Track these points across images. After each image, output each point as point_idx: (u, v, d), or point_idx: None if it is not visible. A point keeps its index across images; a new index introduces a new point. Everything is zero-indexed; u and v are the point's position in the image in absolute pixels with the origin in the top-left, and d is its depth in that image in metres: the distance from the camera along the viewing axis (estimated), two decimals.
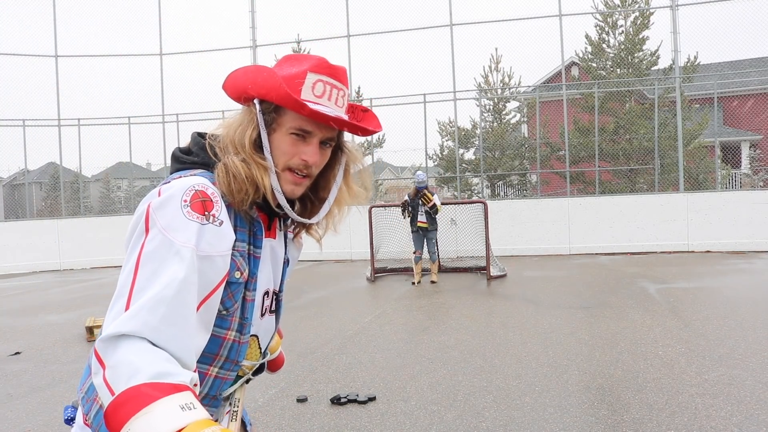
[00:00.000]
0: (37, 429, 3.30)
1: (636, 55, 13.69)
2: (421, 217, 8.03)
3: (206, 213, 0.95)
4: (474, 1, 16.88)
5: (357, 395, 3.50)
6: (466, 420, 3.12)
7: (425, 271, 8.79)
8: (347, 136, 1.19)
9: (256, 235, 1.07)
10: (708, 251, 10.54)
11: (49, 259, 12.48)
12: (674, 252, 10.69)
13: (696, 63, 13.55)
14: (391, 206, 9.87)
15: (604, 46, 13.95)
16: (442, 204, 8.84)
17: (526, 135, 15.76)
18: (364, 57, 16.84)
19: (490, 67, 15.51)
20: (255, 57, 13.69)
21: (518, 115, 15.96)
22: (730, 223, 10.53)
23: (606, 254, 10.90)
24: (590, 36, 13.96)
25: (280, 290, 1.20)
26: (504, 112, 15.58)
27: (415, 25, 13.13)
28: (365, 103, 12.86)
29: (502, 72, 15.51)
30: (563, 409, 3.20)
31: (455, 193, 14.68)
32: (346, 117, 1.08)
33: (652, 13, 13.39)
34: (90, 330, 5.46)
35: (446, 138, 15.96)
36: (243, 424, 1.29)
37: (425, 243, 8.23)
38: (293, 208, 1.10)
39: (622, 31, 13.78)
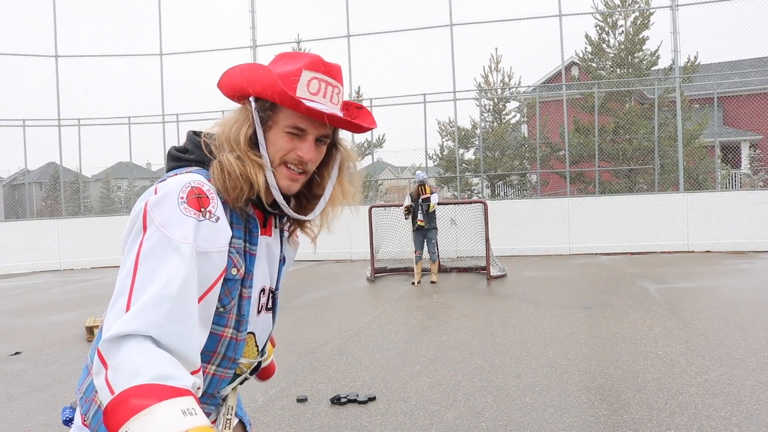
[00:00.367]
0: (37, 429, 3.30)
1: (636, 55, 13.69)
2: (420, 216, 8.04)
3: (203, 209, 0.95)
4: (474, 1, 16.89)
5: (357, 395, 3.51)
6: (466, 420, 3.12)
7: (425, 271, 8.79)
8: (347, 136, 1.19)
9: (252, 232, 1.07)
10: (708, 251, 10.55)
11: (49, 259, 12.48)
12: (674, 252, 10.70)
13: (696, 63, 13.55)
14: (391, 206, 9.88)
15: (604, 46, 13.96)
16: (441, 204, 8.85)
17: (526, 135, 15.77)
18: (364, 57, 16.83)
19: (490, 67, 15.52)
20: (255, 57, 13.69)
21: (518, 115, 15.96)
22: (730, 223, 10.53)
23: (606, 254, 10.90)
24: (590, 36, 13.96)
25: (276, 288, 1.20)
26: (504, 112, 15.59)
27: (415, 25, 13.15)
28: (365, 103, 12.87)
29: (502, 72, 15.52)
30: (563, 409, 3.20)
31: (455, 193, 14.68)
32: (341, 114, 1.08)
33: (652, 13, 13.39)
34: (90, 330, 5.46)
35: (446, 138, 15.97)
36: (242, 424, 1.29)
37: (425, 243, 8.23)
38: (288, 206, 1.10)
39: (622, 31, 13.78)
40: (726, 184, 15.33)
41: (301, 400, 3.51)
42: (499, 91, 15.63)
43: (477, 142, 14.87)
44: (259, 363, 1.23)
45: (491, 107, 15.54)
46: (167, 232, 0.90)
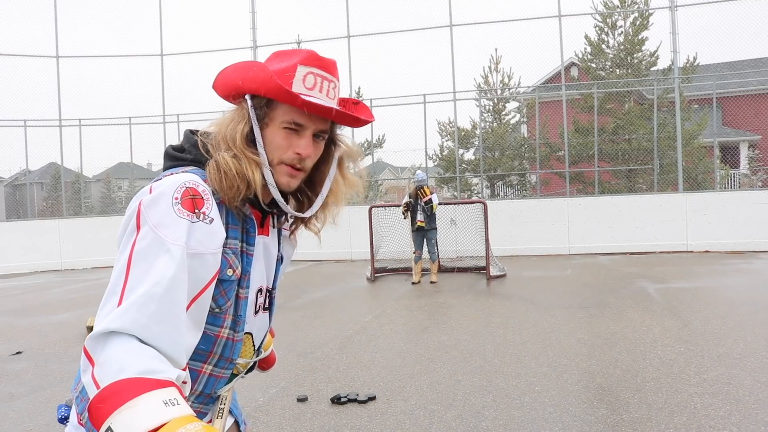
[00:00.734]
0: (38, 428, 3.31)
1: (635, 55, 13.72)
2: (420, 216, 8.05)
3: (196, 210, 0.94)
4: (474, 1, 16.89)
5: (357, 395, 3.52)
6: (465, 419, 3.14)
7: (425, 271, 8.81)
8: (347, 135, 1.19)
9: (249, 232, 1.06)
10: (707, 251, 10.56)
11: (50, 259, 12.50)
12: (673, 252, 10.71)
13: (695, 63, 13.59)
14: (391, 206, 9.89)
15: (603, 46, 13.98)
16: (441, 204, 8.87)
17: (526, 135, 15.79)
18: (364, 57, 16.86)
19: (489, 67, 15.54)
20: (255, 58, 13.71)
21: (518, 116, 15.99)
22: (728, 223, 10.55)
23: (605, 254, 10.92)
24: (590, 37, 13.98)
25: (274, 287, 1.19)
26: (504, 113, 15.61)
27: (415, 26, 13.16)
28: (365, 104, 12.88)
29: (501, 72, 15.54)
30: (562, 409, 3.22)
31: (455, 193, 14.70)
32: (338, 108, 1.07)
33: (651, 13, 13.42)
34: (91, 330, 5.47)
35: (446, 138, 15.99)
36: (236, 424, 1.28)
37: (425, 243, 8.25)
38: (287, 203, 1.10)
39: (622, 32, 13.80)
40: (725, 184, 15.35)
41: (302, 400, 3.52)
42: (499, 91, 15.65)
43: (477, 143, 14.89)
44: (255, 362, 1.22)
45: (491, 107, 15.56)
46: (160, 233, 0.90)
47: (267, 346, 1.41)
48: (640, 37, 13.57)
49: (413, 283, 8.20)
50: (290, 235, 1.23)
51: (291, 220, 1.21)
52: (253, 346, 1.17)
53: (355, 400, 3.47)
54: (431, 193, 8.01)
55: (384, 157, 20.10)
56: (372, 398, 3.50)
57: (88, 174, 15.94)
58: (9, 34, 16.09)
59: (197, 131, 1.07)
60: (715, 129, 12.15)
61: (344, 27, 13.18)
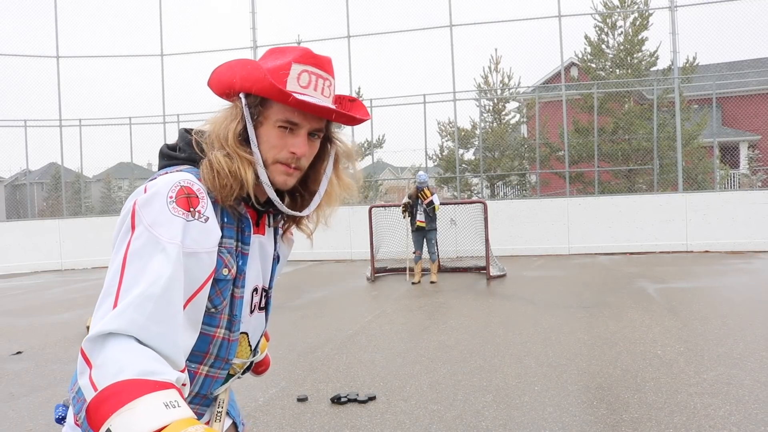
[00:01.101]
0: (38, 428, 3.31)
1: (635, 55, 13.72)
2: (420, 217, 8.06)
3: (191, 209, 0.94)
4: (474, 1, 16.90)
5: (357, 395, 3.52)
6: (465, 419, 3.14)
7: (425, 271, 8.82)
8: (347, 135, 1.19)
9: (244, 231, 1.06)
10: (707, 251, 10.57)
11: (51, 259, 12.50)
12: (673, 252, 10.72)
13: (695, 64, 13.59)
14: (391, 206, 9.89)
15: (603, 46, 13.99)
16: (442, 204, 8.87)
17: (526, 135, 15.79)
18: (364, 57, 16.86)
19: (489, 67, 15.54)
20: (255, 58, 13.70)
21: (518, 116, 15.98)
22: (728, 223, 10.55)
23: (605, 254, 10.92)
24: (589, 37, 13.99)
25: (270, 287, 1.19)
26: (503, 113, 15.61)
27: (415, 26, 13.17)
28: (365, 104, 12.88)
29: (501, 72, 15.54)
30: (562, 409, 3.22)
31: (455, 193, 14.70)
32: (333, 107, 1.05)
33: (651, 14, 13.42)
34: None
35: (446, 138, 15.99)
36: (234, 425, 1.27)
37: (425, 243, 8.25)
38: (282, 202, 1.09)
39: (621, 32, 13.81)
40: (725, 184, 15.36)
41: (302, 400, 3.52)
42: (499, 91, 15.65)
43: (477, 143, 14.90)
44: (252, 362, 1.22)
45: (491, 107, 15.57)
46: (155, 232, 0.89)
47: (262, 350, 1.39)
48: (639, 37, 13.57)
49: (413, 283, 8.21)
50: (283, 234, 1.22)
51: (284, 219, 1.20)
52: (249, 346, 1.16)
53: (355, 400, 3.47)
54: (432, 195, 8.01)
55: (384, 157, 20.10)
56: (372, 398, 3.50)
57: (88, 174, 15.94)
58: (9, 34, 16.11)
59: (192, 130, 1.07)
60: (715, 129, 12.16)
61: (344, 27, 13.18)
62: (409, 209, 8.16)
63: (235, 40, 17.79)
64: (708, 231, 10.65)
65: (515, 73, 16.79)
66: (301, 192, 1.14)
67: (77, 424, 0.99)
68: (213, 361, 1.05)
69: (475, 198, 14.28)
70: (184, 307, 0.92)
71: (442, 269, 9.11)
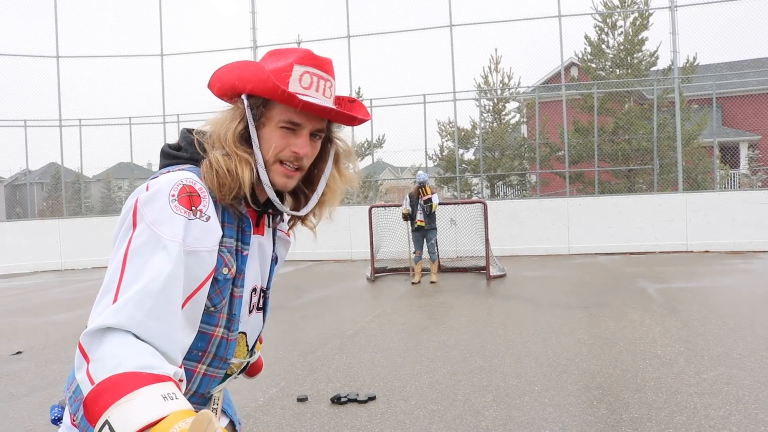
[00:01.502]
0: (38, 428, 3.31)
1: (635, 55, 13.72)
2: (420, 216, 8.06)
3: (193, 208, 0.94)
4: (474, 1, 16.90)
5: (357, 395, 3.52)
6: (465, 419, 3.14)
7: (425, 271, 8.82)
8: (347, 135, 1.19)
9: (245, 231, 1.06)
10: (707, 251, 10.57)
11: (51, 259, 12.50)
12: (673, 252, 10.72)
13: (695, 64, 13.59)
14: (391, 206, 9.90)
15: (603, 46, 13.98)
16: (441, 204, 8.87)
17: (526, 135, 15.79)
18: (364, 57, 16.87)
19: (489, 67, 15.54)
20: (255, 58, 13.71)
21: (518, 116, 15.99)
22: (728, 223, 10.56)
23: (605, 254, 10.92)
24: (589, 37, 13.99)
25: (268, 287, 1.19)
26: (503, 113, 15.61)
27: (415, 26, 13.17)
28: (365, 104, 12.87)
29: (501, 72, 15.54)
30: (562, 409, 3.22)
31: (455, 193, 14.70)
32: (334, 107, 1.07)
33: (651, 14, 13.42)
34: None
35: (446, 138, 15.99)
36: (232, 423, 1.27)
37: (425, 243, 8.25)
38: (283, 203, 1.10)
39: (622, 32, 13.81)
40: (725, 184, 15.36)
41: (302, 400, 3.52)
42: (499, 91, 15.65)
43: (477, 143, 14.90)
44: (248, 363, 1.22)
45: (491, 107, 15.57)
46: (156, 230, 0.90)
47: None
48: (640, 37, 13.57)
49: (413, 283, 8.21)
50: (289, 230, 1.24)
51: (288, 218, 1.21)
52: (247, 345, 1.16)
53: (355, 400, 3.47)
54: (432, 193, 8.02)
55: (384, 157, 20.11)
56: (372, 398, 3.50)
57: (88, 174, 15.95)
58: (9, 34, 16.11)
59: (193, 130, 1.08)
60: (715, 129, 12.16)
61: (344, 27, 13.18)
62: (410, 213, 8.15)
63: (235, 40, 17.79)
64: (708, 231, 10.65)
65: (515, 73, 16.81)
66: (304, 191, 1.16)
67: (74, 425, 0.99)
68: (211, 360, 1.06)
69: (475, 198, 14.28)
70: (184, 305, 0.92)
71: (442, 269, 9.11)
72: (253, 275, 1.12)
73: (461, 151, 15.47)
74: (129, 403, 0.73)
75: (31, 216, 15.05)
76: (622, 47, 13.74)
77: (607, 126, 13.37)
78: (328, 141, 1.13)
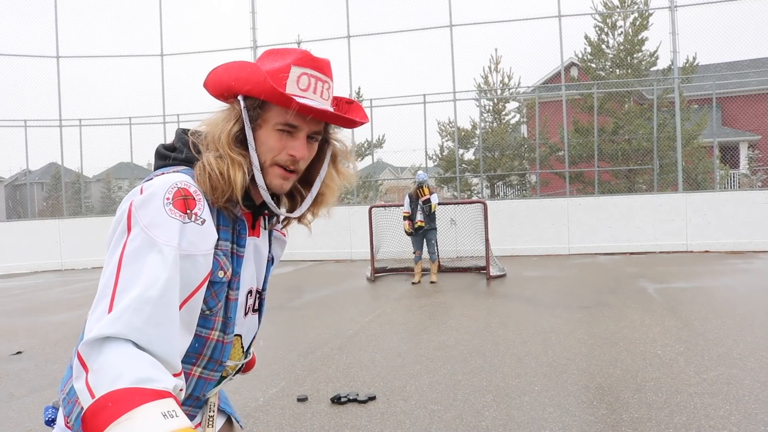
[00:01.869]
0: (38, 428, 3.31)
1: (635, 55, 13.72)
2: (420, 216, 8.06)
3: (188, 211, 0.93)
4: (474, 1, 16.89)
5: (357, 395, 3.52)
6: (465, 419, 3.14)
7: (425, 271, 8.82)
8: (347, 136, 1.19)
9: (240, 233, 1.06)
10: (707, 251, 10.57)
11: (51, 259, 12.51)
12: (673, 252, 10.72)
13: (695, 64, 13.58)
14: (391, 206, 9.90)
15: (603, 46, 13.98)
16: (441, 204, 8.87)
17: (526, 135, 15.79)
18: (364, 57, 16.85)
19: (489, 67, 15.54)
20: (255, 58, 13.69)
21: (518, 116, 15.98)
22: (728, 223, 10.56)
23: (605, 254, 10.92)
24: (589, 37, 13.99)
25: (263, 289, 1.19)
26: (503, 113, 15.61)
27: (415, 26, 13.17)
28: (365, 104, 12.88)
29: (501, 72, 15.54)
30: (562, 409, 3.22)
31: (455, 193, 14.70)
32: (332, 109, 1.06)
33: (651, 14, 13.42)
34: None
35: (446, 138, 15.99)
36: (230, 420, 1.28)
37: (425, 243, 8.25)
38: (279, 204, 1.09)
39: (621, 32, 13.81)
40: (725, 184, 15.36)
41: (302, 400, 3.52)
42: (499, 91, 15.65)
43: (477, 143, 14.90)
44: (243, 364, 1.22)
45: (491, 107, 15.57)
46: (151, 234, 0.88)
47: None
48: (639, 37, 13.57)
49: (413, 283, 8.21)
50: (282, 228, 1.24)
51: (282, 218, 1.21)
52: (242, 347, 1.16)
53: (355, 400, 3.47)
54: (431, 193, 8.02)
55: (384, 157, 20.10)
56: (372, 398, 3.50)
57: (89, 174, 15.94)
58: (9, 34, 16.11)
59: (189, 130, 1.06)
60: (715, 129, 12.16)
61: (344, 27, 13.18)
62: (411, 231, 8.15)
63: (235, 40, 17.80)
64: (708, 231, 10.65)
65: (515, 73, 16.76)
66: (301, 192, 1.15)
67: (68, 426, 0.98)
68: (206, 363, 1.05)
69: (475, 198, 14.28)
70: (180, 309, 0.91)
71: (442, 269, 9.11)
72: (249, 277, 1.11)
73: (461, 151, 15.47)
74: (129, 421, 0.73)
75: (31, 216, 15.05)
76: (622, 47, 13.74)
77: (607, 126, 13.37)
78: (325, 142, 1.12)
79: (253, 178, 1.02)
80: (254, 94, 1.00)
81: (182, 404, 1.06)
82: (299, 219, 1.18)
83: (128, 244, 0.88)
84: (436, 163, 15.84)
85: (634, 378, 3.66)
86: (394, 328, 5.42)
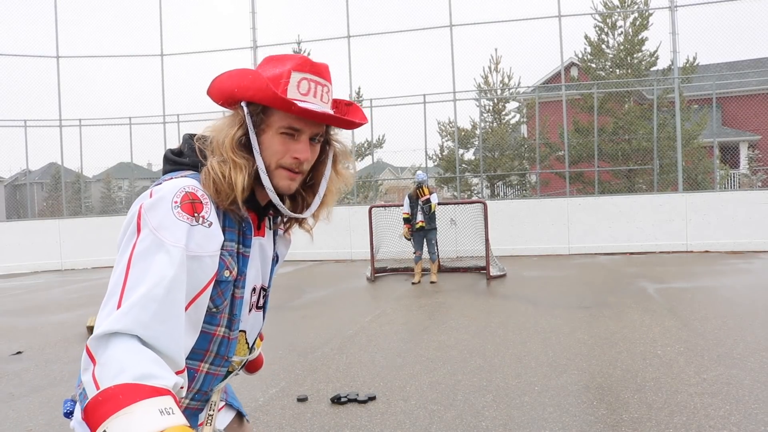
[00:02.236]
0: (38, 428, 3.32)
1: (635, 55, 13.72)
2: (420, 216, 8.06)
3: (196, 214, 0.97)
4: (474, 1, 16.90)
5: (357, 395, 3.52)
6: (465, 419, 3.14)
7: (425, 271, 8.81)
8: (347, 137, 1.22)
9: (246, 234, 1.09)
10: (707, 251, 10.57)
11: (51, 259, 12.50)
12: (673, 252, 10.72)
13: (695, 64, 13.59)
14: (391, 206, 9.90)
15: (603, 46, 13.98)
16: (441, 204, 8.87)
17: (526, 135, 15.79)
18: (364, 57, 16.85)
19: (489, 67, 15.54)
20: (255, 58, 13.71)
21: (518, 116, 15.98)
22: (728, 223, 10.55)
23: (605, 254, 10.92)
24: (589, 37, 13.99)
25: (268, 286, 1.23)
26: (503, 113, 15.61)
27: (415, 26, 13.16)
28: (365, 104, 12.89)
29: (501, 72, 15.54)
30: (562, 409, 3.22)
31: (455, 193, 14.70)
32: (332, 112, 1.11)
33: (651, 14, 13.42)
34: (91, 330, 5.48)
35: (446, 138, 15.98)
36: (239, 415, 1.33)
37: (425, 243, 8.25)
38: (284, 204, 1.12)
39: (621, 32, 13.80)
40: (725, 184, 15.36)
41: (302, 400, 3.53)
42: (499, 91, 15.65)
43: (477, 143, 14.90)
44: (248, 360, 1.26)
45: (491, 108, 15.57)
46: (160, 235, 0.92)
47: (256, 347, 1.44)
48: (639, 37, 13.57)
49: (413, 283, 8.21)
50: (285, 232, 1.26)
51: (286, 219, 1.24)
52: (247, 343, 1.20)
53: (355, 400, 3.47)
54: (430, 193, 8.02)
55: (384, 157, 20.10)
56: (372, 398, 3.51)
57: (89, 174, 15.94)
58: (9, 34, 16.09)
59: (195, 135, 1.10)
60: (715, 129, 12.15)
61: (344, 27, 13.18)
62: (409, 235, 8.15)
63: (235, 40, 17.78)
64: (708, 231, 10.65)
65: (515, 73, 16.79)
66: (302, 193, 1.18)
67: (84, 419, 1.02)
68: (213, 359, 1.09)
69: (475, 198, 14.28)
70: (187, 308, 0.96)
71: (442, 269, 9.11)
72: (254, 276, 1.15)
73: (461, 151, 15.47)
74: (127, 415, 0.76)
75: (31, 216, 15.05)
76: (622, 47, 13.73)
77: (607, 126, 13.37)
78: (326, 143, 1.16)
79: (259, 180, 1.06)
80: (257, 100, 1.04)
81: (192, 399, 1.11)
82: (300, 223, 1.23)
83: (138, 245, 0.92)
84: (436, 163, 15.84)
85: (634, 378, 3.66)
86: (394, 328, 5.42)
